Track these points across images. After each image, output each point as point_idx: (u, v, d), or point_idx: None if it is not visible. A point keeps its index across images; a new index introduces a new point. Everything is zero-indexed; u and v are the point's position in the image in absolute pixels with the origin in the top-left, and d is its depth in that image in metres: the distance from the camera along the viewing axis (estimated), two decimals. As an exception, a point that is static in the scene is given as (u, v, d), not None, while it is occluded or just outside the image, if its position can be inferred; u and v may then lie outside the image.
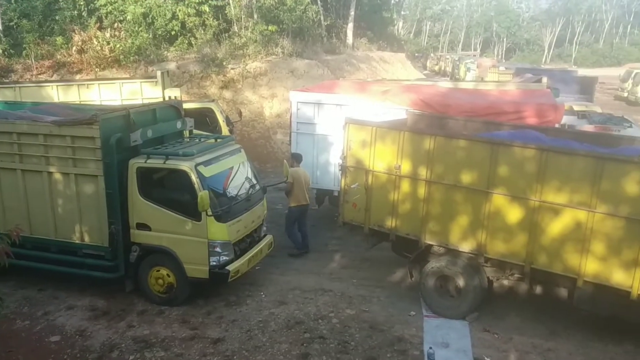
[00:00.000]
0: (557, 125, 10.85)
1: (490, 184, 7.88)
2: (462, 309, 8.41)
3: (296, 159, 11.12)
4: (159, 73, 15.16)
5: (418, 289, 8.85)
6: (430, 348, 7.10)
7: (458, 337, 7.97)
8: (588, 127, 13.12)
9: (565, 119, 12.67)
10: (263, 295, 9.18)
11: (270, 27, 24.86)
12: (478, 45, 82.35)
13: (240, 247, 8.97)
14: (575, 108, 14.57)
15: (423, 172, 8.45)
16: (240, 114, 16.80)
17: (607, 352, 7.62)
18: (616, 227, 7.15)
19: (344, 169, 9.36)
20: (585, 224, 7.27)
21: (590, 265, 7.33)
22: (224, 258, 8.52)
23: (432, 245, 8.66)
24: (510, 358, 7.47)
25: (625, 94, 35.02)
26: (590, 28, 76.74)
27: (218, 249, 8.44)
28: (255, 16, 26.21)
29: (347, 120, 9.31)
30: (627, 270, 7.12)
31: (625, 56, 68.13)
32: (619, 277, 7.20)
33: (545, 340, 7.90)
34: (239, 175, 9.43)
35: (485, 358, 7.42)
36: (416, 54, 65.53)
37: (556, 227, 7.49)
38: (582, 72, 37.33)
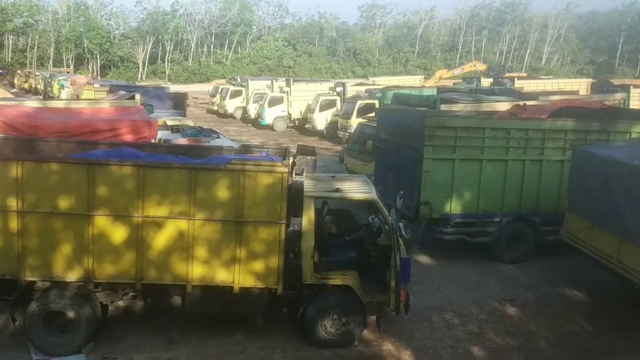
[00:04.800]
0: (153, 141, 11.18)
1: (91, 206, 7.57)
2: (77, 342, 7.86)
3: None
4: None
5: (25, 332, 7.89)
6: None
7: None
8: (182, 141, 13.96)
9: (161, 134, 13.20)
10: None
11: None
12: (71, 62, 79.07)
13: None
14: (169, 123, 15.33)
15: (13, 202, 7.53)
16: None
17: (222, 345, 8.23)
18: (214, 230, 7.77)
19: None
20: (188, 232, 7.68)
21: (196, 270, 7.78)
22: None
23: (34, 282, 7.83)
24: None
25: (216, 107, 38.94)
26: (179, 47, 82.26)
27: None
28: None
29: None
30: (228, 269, 7.82)
31: (212, 73, 75.68)
32: (222, 276, 7.86)
33: (164, 351, 8.04)
34: None
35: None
36: (1, 71, 58.84)
37: (161, 239, 7.69)
38: (175, 88, 39.77)
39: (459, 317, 9.38)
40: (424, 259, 11.89)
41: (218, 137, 15.17)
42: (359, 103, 25.31)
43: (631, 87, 29.11)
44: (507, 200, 11.72)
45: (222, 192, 7.72)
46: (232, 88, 38.58)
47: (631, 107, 24.64)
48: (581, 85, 35.49)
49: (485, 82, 37.88)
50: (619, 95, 25.87)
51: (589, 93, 30.25)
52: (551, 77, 55.19)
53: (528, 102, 16.09)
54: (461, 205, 11.60)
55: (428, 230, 11.65)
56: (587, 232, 10.01)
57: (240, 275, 7.84)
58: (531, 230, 11.92)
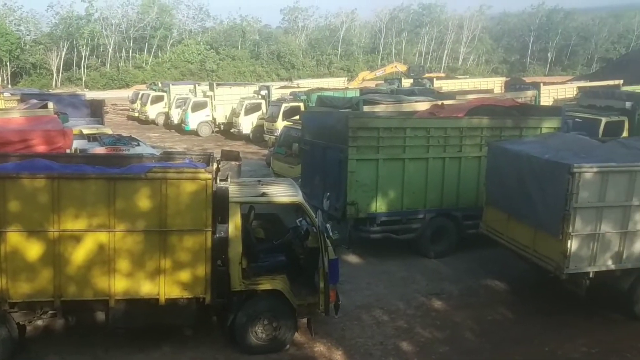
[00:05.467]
0: (68, 151, 10.71)
1: (2, 222, 7.17)
2: (-8, 368, 7.42)
3: None
4: None
5: None
6: None
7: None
8: (100, 150, 13.47)
9: (77, 144, 12.68)
10: None
11: None
12: (-22, 70, 74.37)
13: None
14: (86, 131, 14.75)
15: None
16: None
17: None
18: (136, 242, 7.55)
19: None
20: (108, 245, 7.42)
21: (119, 284, 7.53)
22: None
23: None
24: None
25: (137, 114, 37.80)
26: (96, 52, 79.23)
27: None
28: None
29: None
30: (153, 280, 7.62)
31: (132, 79, 73.45)
32: (147, 288, 7.64)
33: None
34: None
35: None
36: None
37: (80, 254, 7.39)
38: (93, 95, 38.35)
39: (387, 314, 9.57)
40: (352, 258, 12.05)
41: (138, 145, 14.75)
42: (284, 106, 25.31)
43: (541, 84, 30.83)
44: (429, 197, 12.07)
45: (144, 201, 7.51)
46: (153, 93, 37.59)
47: (541, 103, 26.07)
48: (495, 84, 37.13)
49: (406, 83, 38.92)
50: (530, 93, 27.27)
51: (503, 91, 31.68)
52: (468, 76, 57.49)
53: (446, 102, 16.66)
54: (386, 203, 11.85)
55: (355, 230, 11.82)
56: (504, 224, 10.47)
57: (166, 286, 7.66)
58: (453, 225, 12.34)
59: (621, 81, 34.63)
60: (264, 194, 8.20)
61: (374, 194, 11.69)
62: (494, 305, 10.02)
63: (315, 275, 8.21)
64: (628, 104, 18.14)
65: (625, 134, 17.43)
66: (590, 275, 8.96)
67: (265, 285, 8.02)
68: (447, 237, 12.37)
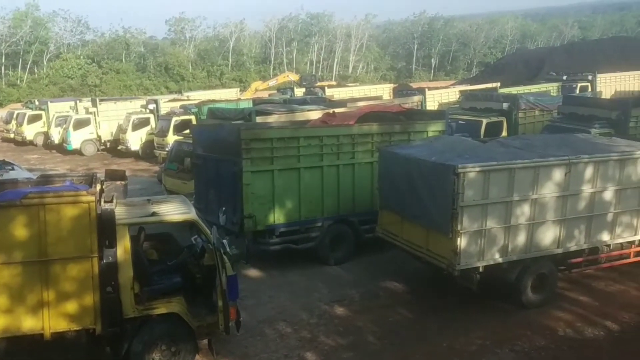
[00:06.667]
0: None
1: None
2: None
3: None
4: None
5: None
6: None
7: None
8: (-31, 177, 12.31)
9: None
10: None
11: None
12: None
13: None
14: (-47, 158, 13.47)
15: None
16: None
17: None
18: (14, 274, 6.96)
19: None
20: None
21: (-5, 322, 6.87)
22: None
23: None
24: None
25: (12, 135, 35.09)
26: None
27: None
28: None
29: None
30: (35, 314, 7.05)
31: (6, 97, 68.14)
32: (29, 323, 7.08)
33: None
34: None
35: None
36: None
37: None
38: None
39: (291, 326, 9.49)
40: (253, 272, 11.85)
41: (12, 169, 13.68)
42: (175, 120, 24.60)
43: (426, 89, 32.26)
44: (326, 205, 12.16)
45: (20, 230, 6.94)
46: (29, 112, 34.97)
47: (427, 108, 27.28)
48: (384, 91, 38.35)
49: (299, 92, 39.22)
50: (416, 98, 28.46)
51: (391, 97, 32.80)
52: (358, 84, 59.02)
53: (337, 110, 16.93)
54: (284, 214, 11.78)
55: (254, 243, 11.65)
56: (398, 226, 10.77)
57: (50, 320, 7.11)
58: (351, 230, 12.51)
59: (498, 84, 37.08)
60: (154, 214, 7.84)
61: (271, 205, 11.60)
62: (394, 306, 10.24)
63: (214, 293, 7.95)
64: (505, 105, 19.45)
65: (504, 133, 18.64)
66: (480, 269, 9.42)
67: (161, 309, 7.66)
68: (345, 243, 12.51)
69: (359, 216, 12.46)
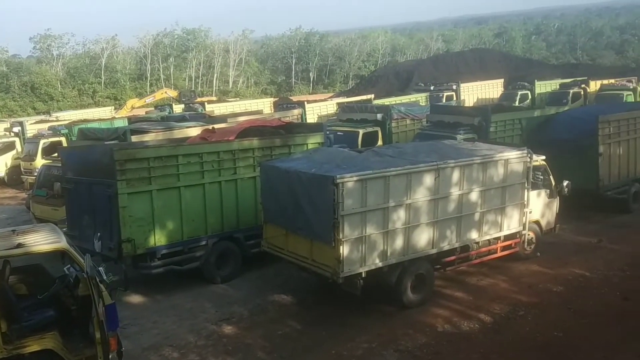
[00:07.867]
0: None
1: None
2: None
3: None
4: None
5: None
6: None
7: None
8: None
9: None
10: None
11: None
12: None
13: None
14: None
15: None
16: None
17: None
18: None
19: None
20: None
21: None
22: None
23: None
24: None
25: None
26: None
27: None
28: None
29: None
30: None
31: None
32: None
33: None
34: None
35: None
36: None
37: None
38: None
39: (177, 350, 9.22)
40: (136, 298, 11.37)
41: None
42: (43, 142, 23.10)
43: (306, 102, 32.93)
44: (210, 223, 11.97)
45: None
46: None
47: (308, 120, 27.83)
48: (265, 105, 38.56)
49: (178, 108, 38.31)
50: (296, 111, 28.96)
51: (272, 111, 33.07)
52: (239, 99, 58.81)
53: (217, 125, 16.78)
54: (165, 235, 11.44)
55: (135, 267, 11.19)
56: (283, 239, 10.85)
57: None
58: (236, 246, 12.41)
59: (372, 95, 38.75)
60: (19, 245, 7.28)
61: (151, 227, 11.21)
62: (282, 320, 10.29)
63: (90, 325, 7.52)
64: (379, 116, 20.35)
65: (379, 142, 19.46)
66: (363, 275, 9.74)
67: (33, 346, 7.11)
68: (232, 260, 12.38)
69: (244, 232, 12.40)
